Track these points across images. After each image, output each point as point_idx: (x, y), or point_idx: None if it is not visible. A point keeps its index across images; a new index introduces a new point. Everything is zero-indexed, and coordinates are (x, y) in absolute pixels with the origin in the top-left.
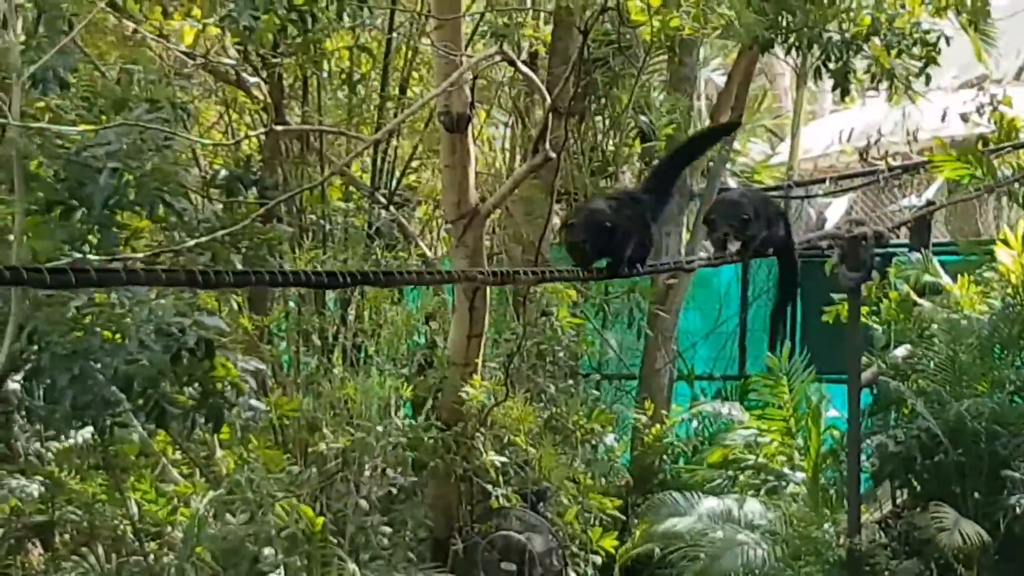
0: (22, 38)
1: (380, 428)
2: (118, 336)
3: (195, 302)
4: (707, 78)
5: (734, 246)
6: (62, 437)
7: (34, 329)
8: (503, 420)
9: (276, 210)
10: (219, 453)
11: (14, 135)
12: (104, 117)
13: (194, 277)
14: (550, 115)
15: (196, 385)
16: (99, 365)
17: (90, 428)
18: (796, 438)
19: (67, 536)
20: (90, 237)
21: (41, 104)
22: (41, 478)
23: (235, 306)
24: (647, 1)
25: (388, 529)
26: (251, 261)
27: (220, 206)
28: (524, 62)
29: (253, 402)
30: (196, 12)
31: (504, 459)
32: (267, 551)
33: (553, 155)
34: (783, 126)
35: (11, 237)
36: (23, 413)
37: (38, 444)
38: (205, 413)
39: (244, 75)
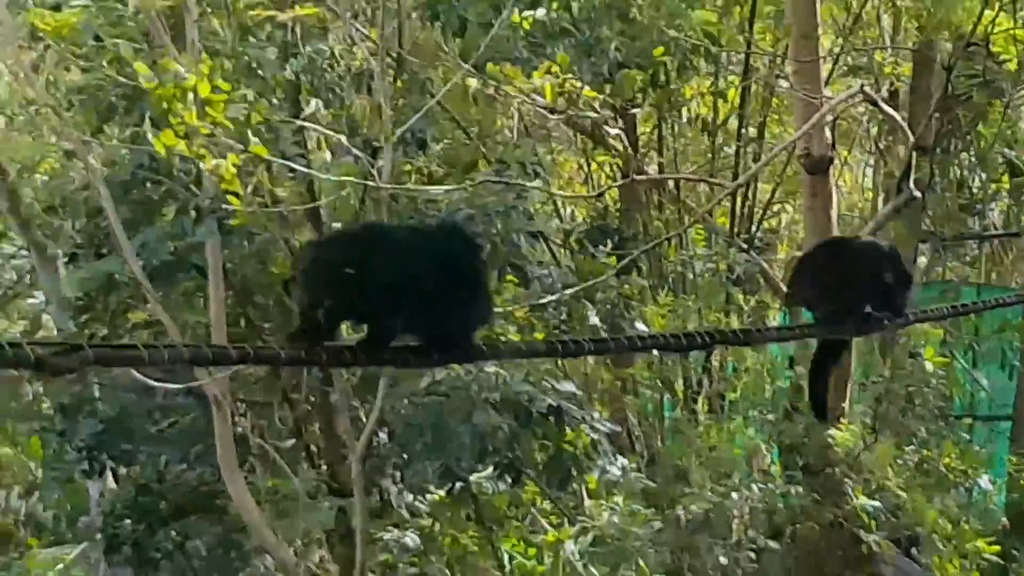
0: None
1: (735, 495)
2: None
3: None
4: None
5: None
6: (432, 489)
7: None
8: (872, 464)
9: (635, 259)
10: (587, 502)
11: (383, 196)
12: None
13: (554, 347)
14: (913, 153)
15: (549, 447)
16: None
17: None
18: None
19: None
20: None
21: (408, 167)
22: (415, 530)
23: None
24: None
25: None
26: (605, 315)
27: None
28: (884, 100)
29: (604, 462)
30: (555, 68)
31: (875, 504)
32: None
33: (918, 194)
34: None
35: None
36: (395, 466)
37: (411, 497)
38: (553, 474)
39: (603, 126)
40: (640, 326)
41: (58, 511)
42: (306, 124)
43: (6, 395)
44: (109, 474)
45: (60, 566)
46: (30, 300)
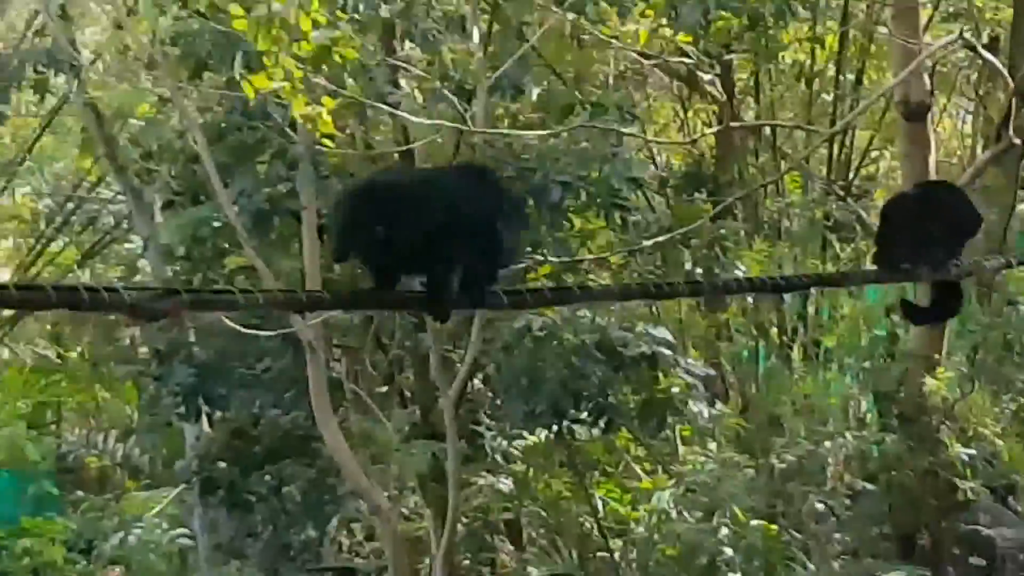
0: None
1: (828, 444)
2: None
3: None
4: None
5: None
6: (526, 434)
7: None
8: (968, 413)
9: (730, 206)
10: (681, 450)
11: (478, 141)
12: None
13: (647, 289)
14: (1013, 100)
15: (642, 392)
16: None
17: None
18: None
19: (533, 533)
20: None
21: (500, 111)
22: (508, 475)
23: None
24: None
25: (839, 536)
26: (699, 261)
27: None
28: (985, 46)
29: (698, 408)
30: (649, 13)
31: (971, 452)
32: (726, 551)
33: (1017, 141)
34: None
35: None
36: (488, 412)
37: (505, 442)
38: (646, 419)
39: (698, 73)
40: (738, 272)
41: (154, 454)
42: (400, 63)
43: (103, 340)
44: (204, 418)
45: (156, 508)
46: (127, 245)
